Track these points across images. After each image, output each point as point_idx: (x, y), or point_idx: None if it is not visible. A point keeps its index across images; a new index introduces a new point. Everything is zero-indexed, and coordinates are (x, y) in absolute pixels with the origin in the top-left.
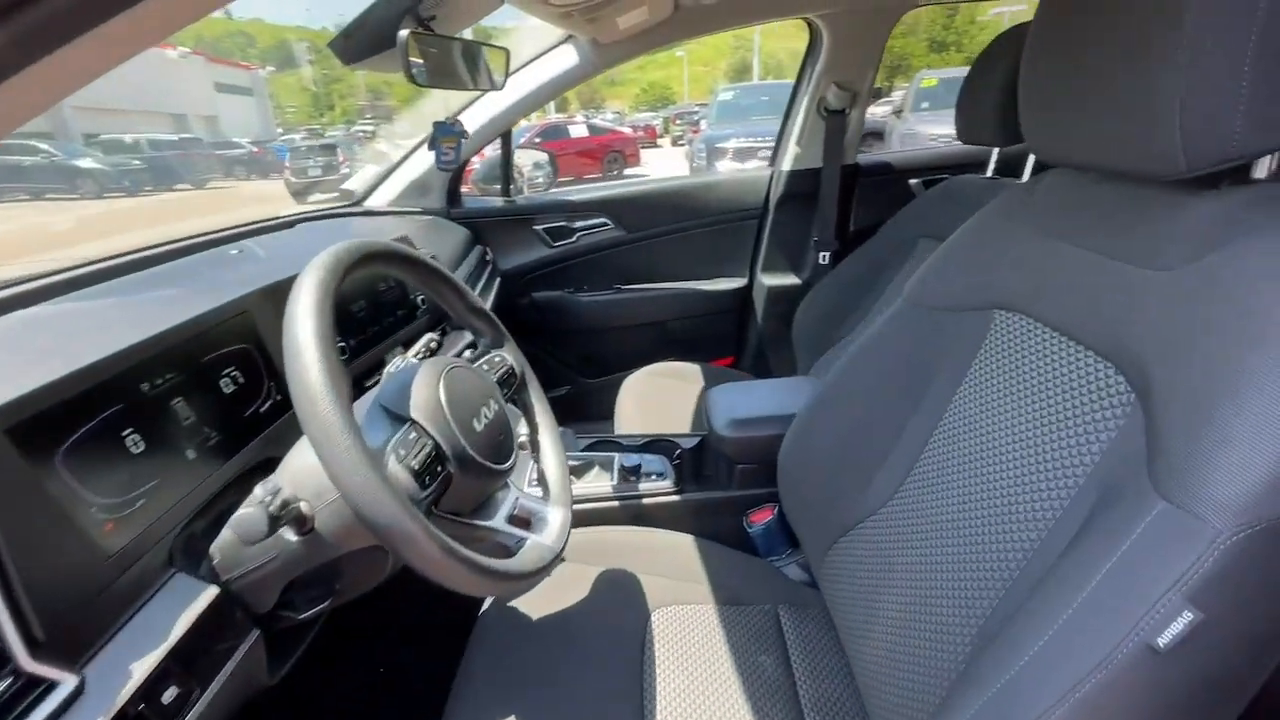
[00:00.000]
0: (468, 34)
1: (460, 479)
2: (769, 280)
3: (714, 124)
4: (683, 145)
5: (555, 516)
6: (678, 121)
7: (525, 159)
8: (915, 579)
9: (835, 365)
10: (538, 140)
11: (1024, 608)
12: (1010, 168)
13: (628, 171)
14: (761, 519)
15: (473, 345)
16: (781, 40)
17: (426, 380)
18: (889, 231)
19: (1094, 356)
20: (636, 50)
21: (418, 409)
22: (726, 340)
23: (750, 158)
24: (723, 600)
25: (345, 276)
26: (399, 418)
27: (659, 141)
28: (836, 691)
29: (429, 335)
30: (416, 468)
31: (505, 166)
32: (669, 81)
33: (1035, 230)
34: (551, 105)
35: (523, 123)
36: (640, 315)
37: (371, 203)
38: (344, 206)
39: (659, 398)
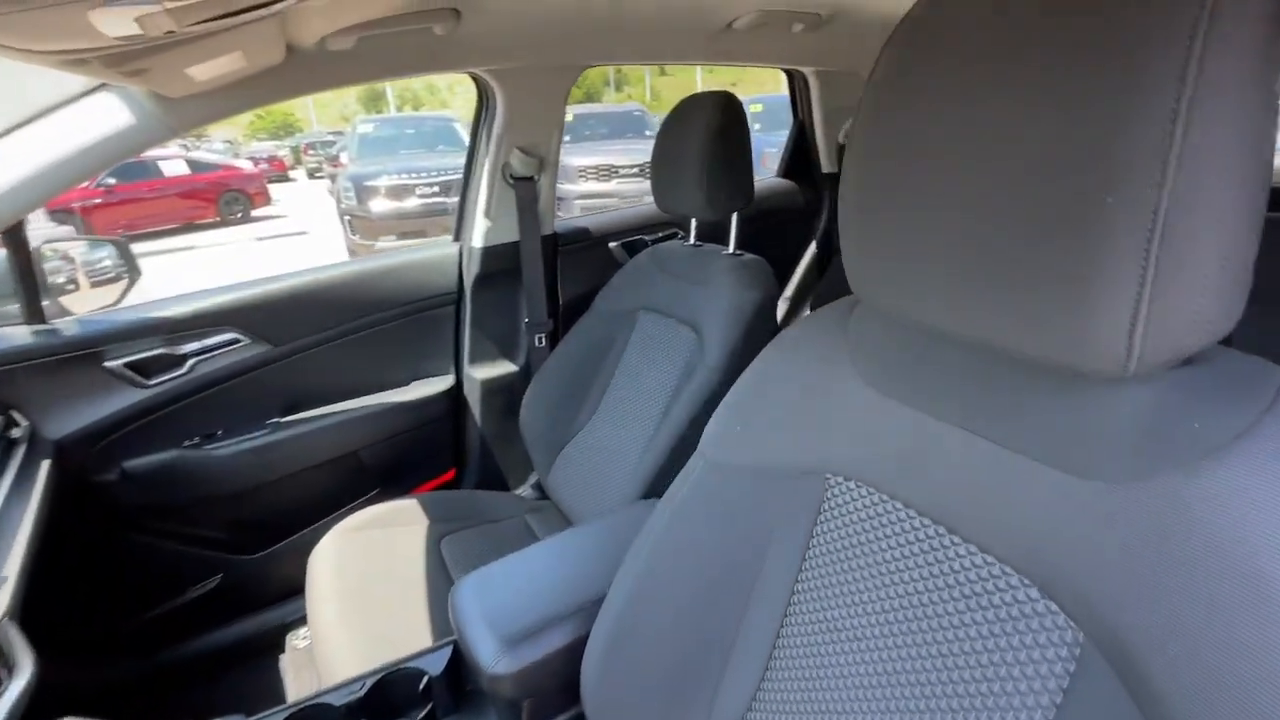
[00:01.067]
0: None
1: None
2: (481, 373)
3: (357, 159)
4: (321, 179)
5: None
6: (310, 152)
7: (71, 248)
8: None
9: (638, 546)
10: (111, 182)
11: None
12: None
13: (256, 213)
14: None
15: None
16: None
17: None
18: (604, 305)
19: (996, 563)
20: (234, 107)
21: None
22: (442, 453)
23: (407, 196)
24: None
25: None
26: None
27: (291, 175)
28: None
29: None
30: None
31: (23, 276)
32: (290, 106)
33: (865, 381)
34: None
35: None
36: (318, 452)
37: None
38: None
39: (370, 569)
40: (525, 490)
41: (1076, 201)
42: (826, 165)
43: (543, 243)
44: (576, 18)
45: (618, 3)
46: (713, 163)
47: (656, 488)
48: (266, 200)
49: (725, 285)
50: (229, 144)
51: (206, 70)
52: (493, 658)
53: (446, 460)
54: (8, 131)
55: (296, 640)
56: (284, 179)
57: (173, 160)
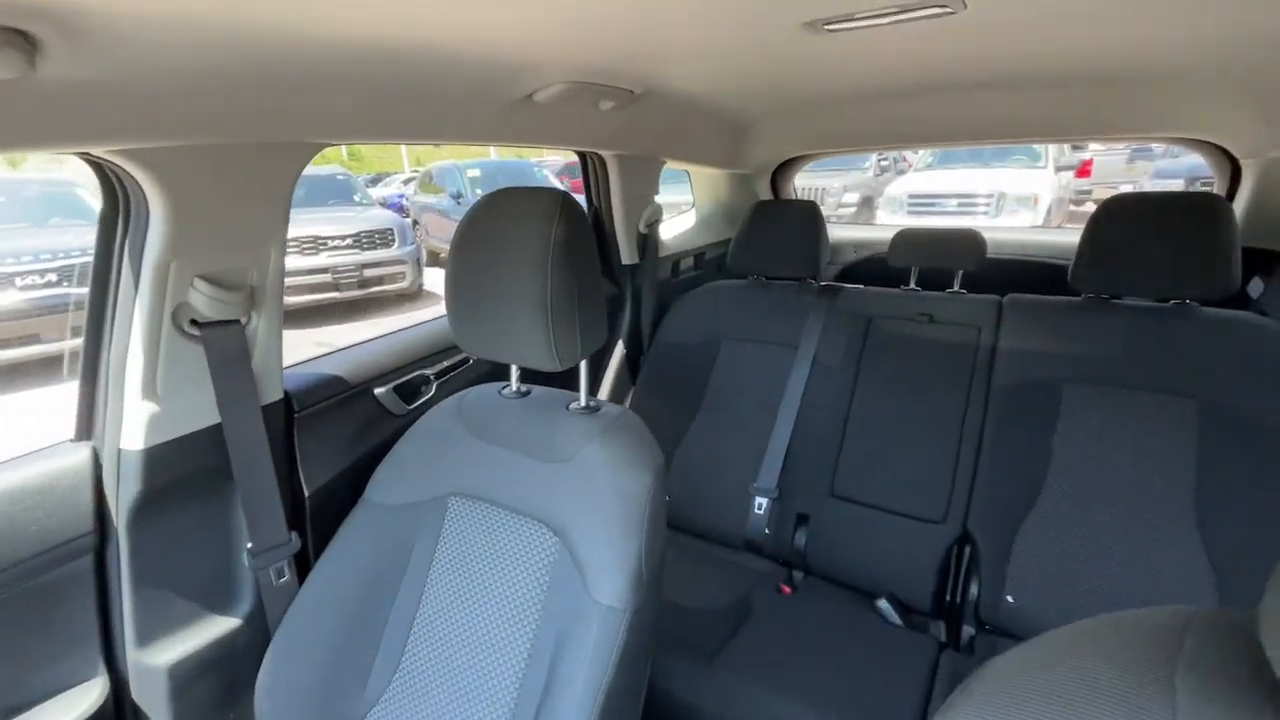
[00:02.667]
0: None
1: None
2: (164, 655)
3: None
4: None
5: None
6: None
7: None
8: None
9: None
10: None
11: None
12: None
13: None
14: None
15: None
16: None
17: None
18: (387, 493)
19: None
20: None
21: None
22: None
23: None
24: None
25: None
26: None
27: None
28: None
29: None
30: None
31: None
32: None
33: None
34: None
35: None
36: None
37: None
38: None
39: None
40: None
41: None
42: (627, 256)
43: (267, 416)
44: (292, 73)
45: (371, 60)
46: (560, 297)
47: None
48: None
49: (600, 466)
50: None
51: None
52: None
53: None
54: None
55: None
56: None
57: None
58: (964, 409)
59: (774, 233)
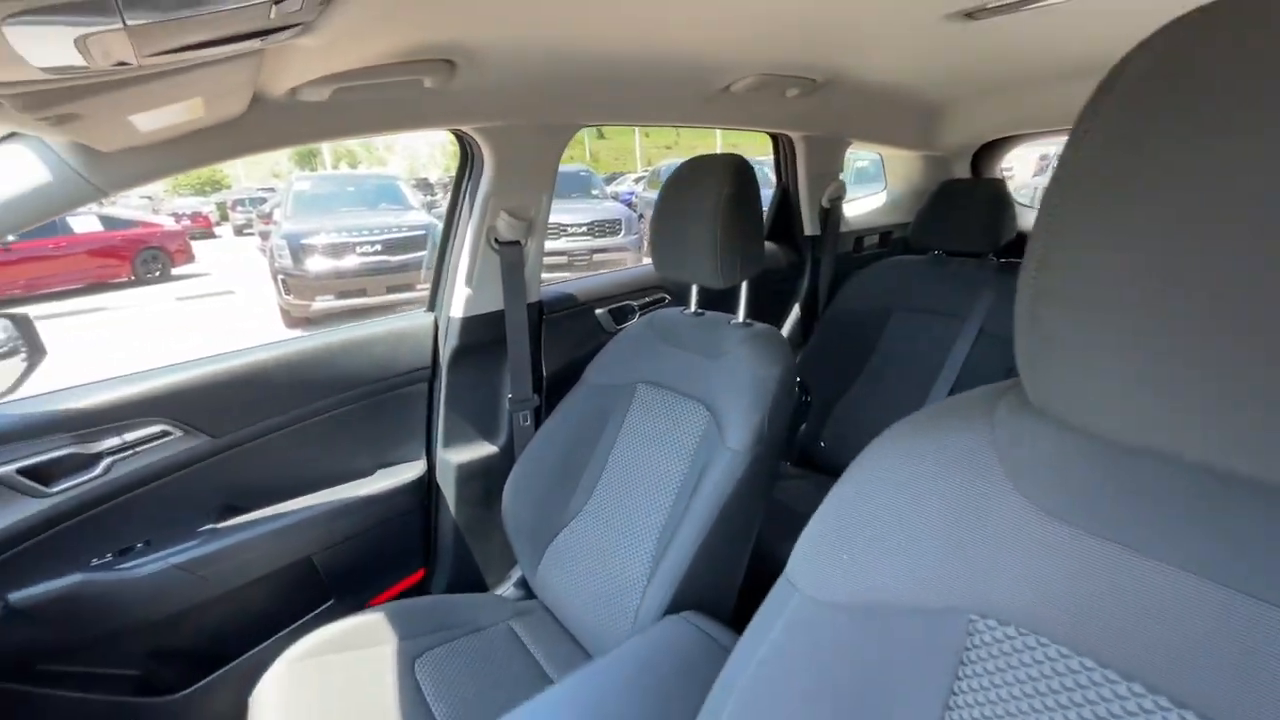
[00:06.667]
0: None
1: None
2: (456, 457)
3: (292, 216)
4: (250, 235)
5: None
6: (238, 209)
7: None
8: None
9: (716, 703)
10: (10, 238)
11: None
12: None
13: (176, 271)
14: None
15: None
16: None
17: None
18: (596, 377)
19: None
20: (176, 165)
21: None
22: (410, 552)
23: (346, 254)
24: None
25: None
26: None
27: (216, 231)
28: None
29: None
30: None
31: None
32: None
33: (1028, 500)
34: None
35: None
36: (263, 562)
37: None
38: None
39: (329, 708)
40: (507, 589)
41: None
42: (809, 228)
43: (528, 311)
44: (575, 76)
45: (618, 62)
46: (727, 229)
47: (685, 598)
48: (189, 258)
49: (743, 359)
50: (147, 199)
51: (154, 119)
52: None
53: (415, 560)
54: None
55: None
56: (209, 236)
57: (83, 216)
58: None
59: (958, 209)
